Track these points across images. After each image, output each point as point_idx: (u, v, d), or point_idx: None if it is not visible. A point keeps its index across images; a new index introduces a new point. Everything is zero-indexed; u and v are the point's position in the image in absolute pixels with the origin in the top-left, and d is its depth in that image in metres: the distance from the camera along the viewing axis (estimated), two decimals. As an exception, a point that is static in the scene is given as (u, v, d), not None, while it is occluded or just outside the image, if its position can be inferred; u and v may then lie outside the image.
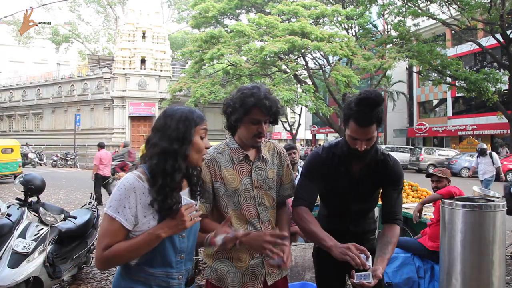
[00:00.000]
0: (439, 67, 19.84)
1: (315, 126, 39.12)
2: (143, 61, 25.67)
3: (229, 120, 1.81)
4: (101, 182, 9.46)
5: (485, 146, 9.64)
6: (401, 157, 22.41)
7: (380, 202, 2.11)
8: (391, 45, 20.81)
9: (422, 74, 22.80)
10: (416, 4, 19.52)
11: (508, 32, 18.16)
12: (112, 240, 1.39)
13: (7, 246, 3.13)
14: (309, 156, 2.11)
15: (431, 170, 5.04)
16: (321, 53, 21.25)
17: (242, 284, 1.80)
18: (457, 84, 20.18)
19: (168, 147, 1.42)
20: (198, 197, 1.64)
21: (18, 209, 3.51)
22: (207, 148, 1.56)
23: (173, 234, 1.44)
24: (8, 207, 3.40)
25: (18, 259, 3.08)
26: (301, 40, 18.19)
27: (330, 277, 2.13)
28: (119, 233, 1.40)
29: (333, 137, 42.11)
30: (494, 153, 9.44)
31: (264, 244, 1.63)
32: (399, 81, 29.97)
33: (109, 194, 8.88)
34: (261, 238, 1.65)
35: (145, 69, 25.67)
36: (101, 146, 9.76)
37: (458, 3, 17.80)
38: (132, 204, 1.40)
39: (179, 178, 1.44)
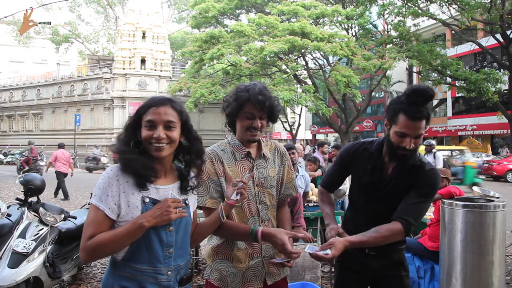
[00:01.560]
0: (439, 67, 19.85)
1: (315, 126, 39.11)
2: (143, 61, 25.68)
3: (227, 117, 1.85)
4: (62, 178, 10.38)
5: (433, 142, 8.86)
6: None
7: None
8: (391, 45, 20.82)
9: (422, 74, 22.81)
10: (416, 4, 19.52)
11: (508, 32, 18.17)
12: (97, 229, 1.37)
13: (7, 246, 3.13)
14: (345, 145, 2.15)
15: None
16: (321, 53, 21.27)
17: (242, 285, 1.80)
18: (457, 84, 20.19)
19: (124, 134, 1.49)
20: (191, 192, 1.60)
21: (18, 209, 3.51)
22: (158, 138, 1.44)
23: (157, 224, 1.41)
24: (8, 207, 3.39)
25: (18, 259, 3.08)
26: (301, 40, 18.20)
27: (349, 285, 2.05)
28: (103, 222, 1.39)
29: (333, 137, 42.10)
30: (438, 154, 8.77)
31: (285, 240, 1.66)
32: (399, 81, 29.97)
33: (59, 189, 10.47)
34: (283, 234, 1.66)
35: (145, 69, 25.69)
36: (60, 146, 10.77)
37: (458, 3, 17.80)
38: (115, 192, 1.40)
39: (123, 163, 1.44)
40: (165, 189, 1.50)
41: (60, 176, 10.31)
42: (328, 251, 1.63)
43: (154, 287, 1.45)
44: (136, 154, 1.45)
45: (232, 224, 1.75)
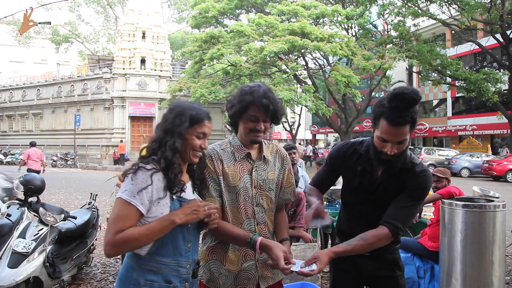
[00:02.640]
0: (439, 67, 19.84)
1: (315, 126, 39.12)
2: (143, 61, 25.66)
3: (230, 118, 1.84)
4: None
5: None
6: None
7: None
8: (391, 45, 20.82)
9: (422, 74, 22.82)
10: (416, 4, 19.52)
11: (508, 32, 18.17)
12: (125, 224, 1.41)
13: (7, 246, 3.12)
14: (335, 146, 2.08)
15: (431, 170, 5.03)
16: (321, 53, 21.26)
17: (234, 287, 1.79)
18: (457, 84, 20.19)
19: (162, 137, 1.53)
20: (199, 191, 1.70)
21: (18, 209, 3.50)
22: (204, 148, 1.59)
23: (187, 222, 1.50)
24: (8, 207, 3.38)
25: (18, 259, 3.07)
26: (301, 40, 18.19)
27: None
28: (133, 217, 1.44)
29: (333, 137, 42.09)
30: None
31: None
32: (399, 81, 29.94)
33: None
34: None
35: (145, 69, 25.66)
36: (32, 144, 11.34)
37: (458, 3, 17.80)
38: (149, 189, 1.45)
39: (165, 165, 1.49)
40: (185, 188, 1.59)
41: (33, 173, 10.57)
42: (314, 266, 1.60)
43: (177, 280, 1.53)
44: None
45: (231, 229, 1.73)
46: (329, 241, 4.87)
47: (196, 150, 1.57)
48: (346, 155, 1.91)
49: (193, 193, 1.64)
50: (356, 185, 1.87)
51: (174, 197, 1.51)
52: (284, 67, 20.28)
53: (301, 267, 1.62)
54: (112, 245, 1.41)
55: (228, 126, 36.49)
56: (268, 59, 19.64)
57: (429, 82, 22.89)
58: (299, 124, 33.94)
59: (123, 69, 25.40)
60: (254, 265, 1.80)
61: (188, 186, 1.62)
